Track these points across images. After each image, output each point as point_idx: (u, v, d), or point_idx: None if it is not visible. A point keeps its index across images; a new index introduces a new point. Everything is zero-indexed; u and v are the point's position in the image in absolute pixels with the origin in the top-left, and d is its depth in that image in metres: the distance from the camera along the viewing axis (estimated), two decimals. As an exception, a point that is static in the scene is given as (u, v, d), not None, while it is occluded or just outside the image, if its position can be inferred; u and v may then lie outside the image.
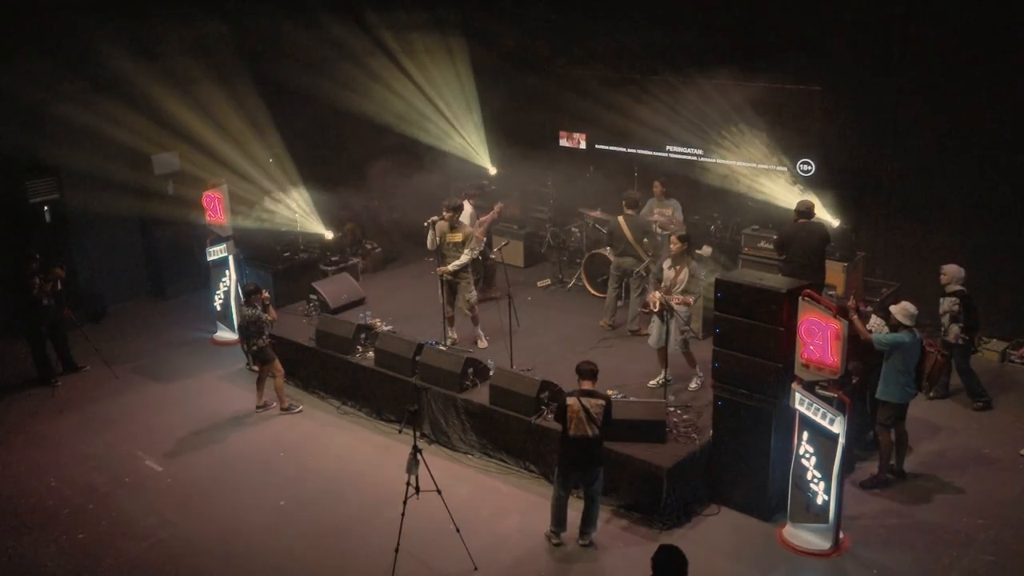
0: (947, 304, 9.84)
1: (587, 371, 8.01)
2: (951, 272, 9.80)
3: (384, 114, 14.70)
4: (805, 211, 10.52)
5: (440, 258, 10.82)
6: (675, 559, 5.11)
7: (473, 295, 11.02)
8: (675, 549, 5.19)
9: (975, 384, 10.14)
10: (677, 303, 9.43)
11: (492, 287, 12.57)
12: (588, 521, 8.19)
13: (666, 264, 9.79)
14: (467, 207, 12.13)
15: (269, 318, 10.51)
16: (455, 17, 14.62)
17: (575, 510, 8.25)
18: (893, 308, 8.51)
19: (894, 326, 8.47)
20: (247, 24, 14.18)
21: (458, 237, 10.72)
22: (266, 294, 10.60)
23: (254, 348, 10.55)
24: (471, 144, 15.04)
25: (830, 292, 10.86)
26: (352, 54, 14.67)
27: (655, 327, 9.74)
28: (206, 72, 14.16)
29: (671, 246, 9.76)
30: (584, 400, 7.83)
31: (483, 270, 12.48)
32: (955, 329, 9.83)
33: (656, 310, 9.54)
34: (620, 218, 11.46)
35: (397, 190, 15.05)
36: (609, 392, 9.54)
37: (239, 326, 10.99)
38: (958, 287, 9.78)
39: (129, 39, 13.50)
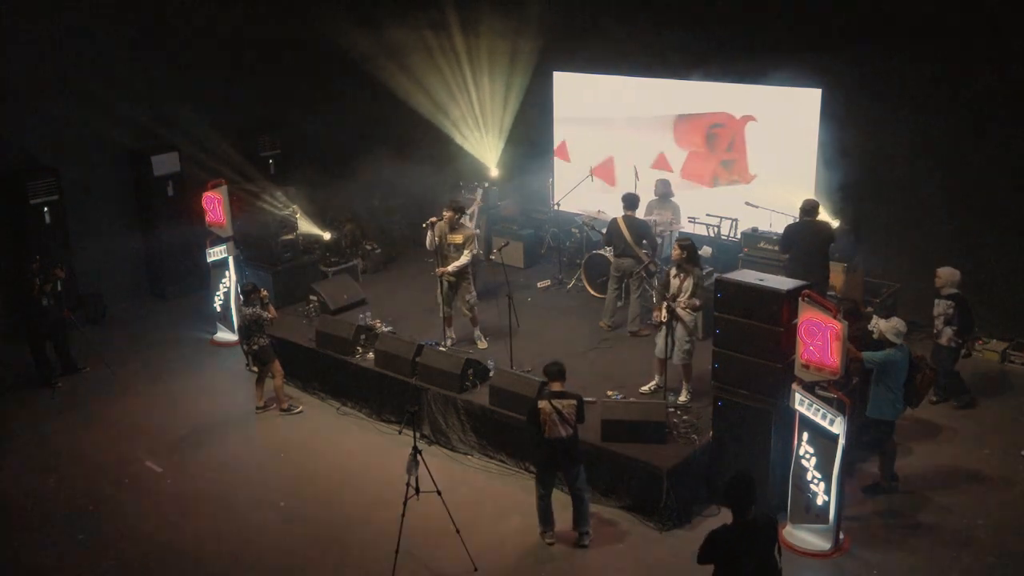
0: (942, 307, 9.80)
1: (555, 372, 7.97)
2: (945, 275, 9.76)
3: (411, 103, 14.70)
4: (810, 209, 10.51)
5: (440, 259, 10.82)
6: (746, 481, 5.74)
7: (473, 295, 11.02)
8: (746, 474, 5.67)
9: (958, 384, 10.14)
10: (683, 308, 9.33)
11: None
12: (581, 520, 8.18)
13: (671, 272, 9.60)
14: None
15: (269, 316, 10.52)
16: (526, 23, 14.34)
17: (566, 509, 8.25)
18: (882, 325, 8.36)
19: (880, 342, 8.36)
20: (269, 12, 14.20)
21: (459, 239, 10.71)
22: (264, 292, 10.60)
23: (255, 348, 10.54)
24: (487, 143, 14.95)
25: (829, 293, 10.82)
26: (395, 50, 14.69)
27: (660, 337, 9.59)
28: (208, 68, 14.18)
29: (673, 252, 9.60)
30: (555, 402, 7.82)
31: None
32: (949, 332, 9.81)
33: (664, 319, 9.38)
34: (619, 219, 11.45)
35: (396, 188, 15.05)
36: (609, 393, 9.55)
37: (239, 327, 10.99)
38: (953, 290, 9.76)
39: (134, 32, 13.54)
